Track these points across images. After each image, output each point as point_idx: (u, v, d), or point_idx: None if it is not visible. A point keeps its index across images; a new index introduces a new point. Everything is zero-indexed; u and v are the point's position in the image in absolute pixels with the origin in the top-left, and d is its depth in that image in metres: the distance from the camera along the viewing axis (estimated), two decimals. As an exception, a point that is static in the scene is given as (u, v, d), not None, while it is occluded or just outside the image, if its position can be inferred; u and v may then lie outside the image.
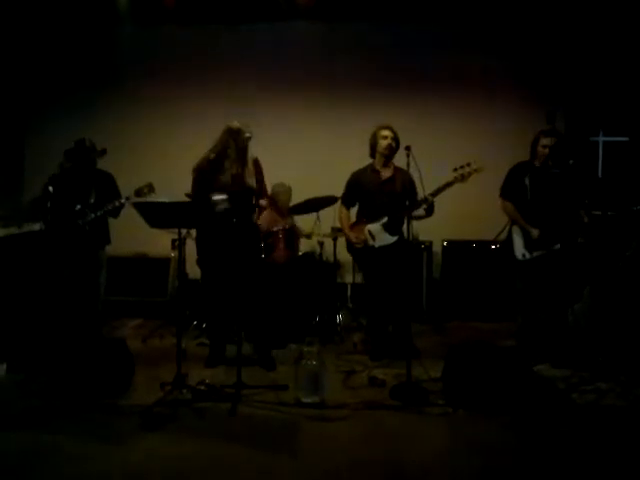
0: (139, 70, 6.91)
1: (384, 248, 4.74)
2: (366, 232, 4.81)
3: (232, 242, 4.37)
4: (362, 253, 4.89)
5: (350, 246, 4.94)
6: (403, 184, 4.73)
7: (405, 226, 4.59)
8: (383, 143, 4.78)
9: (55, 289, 4.85)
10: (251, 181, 4.59)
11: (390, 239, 4.72)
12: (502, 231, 4.99)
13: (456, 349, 4.11)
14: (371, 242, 4.79)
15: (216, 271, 4.63)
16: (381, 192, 4.79)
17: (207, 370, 4.56)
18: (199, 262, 5.03)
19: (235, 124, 4.59)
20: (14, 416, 3.71)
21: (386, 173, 4.84)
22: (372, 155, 4.93)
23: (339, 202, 5.14)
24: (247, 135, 4.55)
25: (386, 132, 4.81)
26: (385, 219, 4.74)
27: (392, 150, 4.80)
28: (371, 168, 4.92)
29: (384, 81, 6.75)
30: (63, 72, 6.97)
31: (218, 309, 4.72)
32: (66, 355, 4.06)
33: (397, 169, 4.82)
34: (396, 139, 4.81)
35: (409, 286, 4.75)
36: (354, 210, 5.05)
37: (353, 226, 4.93)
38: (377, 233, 4.77)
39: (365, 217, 4.88)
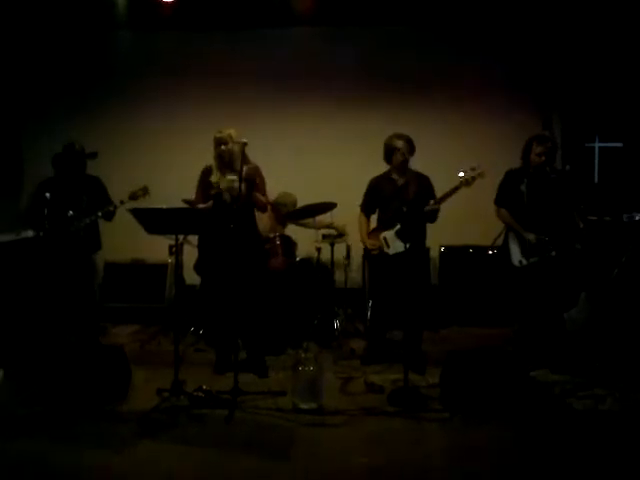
0: (136, 75, 6.91)
1: (398, 255, 4.70)
2: (382, 239, 4.82)
3: (232, 248, 4.31)
4: (377, 260, 4.90)
5: (367, 252, 4.96)
6: (417, 190, 4.71)
7: (418, 233, 4.71)
8: (398, 157, 4.74)
9: (52, 295, 4.84)
10: (243, 188, 4.42)
11: (402, 246, 4.70)
12: (499, 236, 5.00)
13: (454, 355, 4.11)
14: (386, 249, 4.80)
15: (215, 277, 4.61)
16: (396, 199, 4.75)
17: (204, 376, 4.54)
18: (198, 268, 5.02)
19: (217, 133, 4.53)
20: (11, 423, 3.70)
21: (401, 180, 4.81)
22: (387, 160, 4.87)
23: (359, 209, 5.08)
24: (231, 143, 4.48)
25: (400, 144, 4.73)
26: (398, 226, 4.74)
27: (405, 161, 4.76)
28: (388, 175, 4.89)
29: (384, 85, 6.77)
30: (60, 77, 6.96)
31: (219, 316, 4.70)
32: (64, 362, 4.05)
33: (413, 175, 4.79)
34: (410, 150, 4.74)
35: (421, 294, 4.71)
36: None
37: (371, 233, 4.93)
38: (391, 241, 4.78)
39: (382, 224, 4.89)
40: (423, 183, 4.76)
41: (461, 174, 4.44)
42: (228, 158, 4.50)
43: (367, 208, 5.02)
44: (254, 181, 4.58)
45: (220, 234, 4.44)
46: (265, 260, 5.06)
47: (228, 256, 4.33)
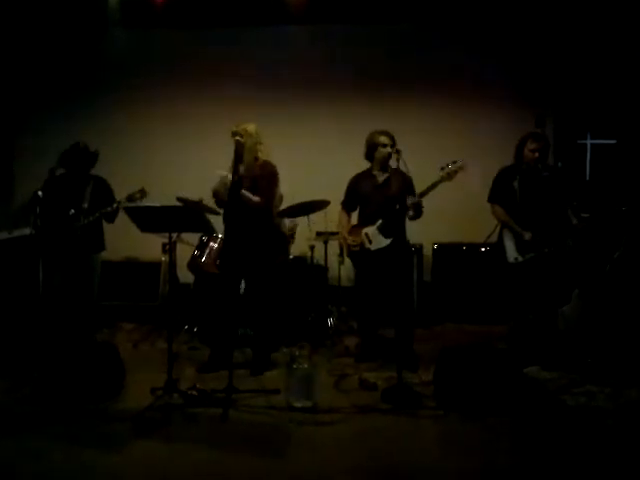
0: (130, 74, 6.90)
1: (380, 251, 4.76)
2: (363, 235, 4.84)
3: (246, 243, 4.41)
4: (359, 256, 4.91)
5: (348, 250, 4.97)
6: (399, 186, 4.74)
7: (401, 229, 4.73)
8: (382, 151, 4.77)
9: (46, 293, 4.83)
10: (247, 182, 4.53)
11: (385, 242, 4.74)
12: (492, 233, 5.02)
13: (447, 352, 4.13)
14: (368, 245, 4.82)
15: (229, 272, 4.64)
16: (377, 195, 4.80)
17: (198, 374, 4.55)
18: (191, 266, 5.00)
19: (234, 127, 4.59)
20: (5, 422, 3.69)
21: (382, 176, 4.85)
22: (368, 158, 4.92)
23: (340, 206, 5.13)
24: (237, 138, 4.52)
25: (384, 139, 4.77)
26: (380, 222, 4.76)
27: (389, 157, 4.78)
28: (369, 172, 4.93)
29: (381, 84, 6.78)
30: (54, 76, 6.94)
31: (218, 313, 4.70)
32: (57, 360, 4.04)
33: (394, 172, 4.78)
34: (393, 145, 4.77)
35: (407, 289, 4.74)
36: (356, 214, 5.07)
37: (352, 229, 4.95)
38: (373, 236, 4.80)
39: (363, 220, 4.91)
40: (405, 179, 4.77)
41: (442, 168, 4.47)
42: (239, 151, 4.50)
43: (348, 205, 5.06)
44: (264, 179, 4.65)
45: (234, 229, 4.51)
46: (277, 255, 5.06)
47: (244, 251, 4.43)
